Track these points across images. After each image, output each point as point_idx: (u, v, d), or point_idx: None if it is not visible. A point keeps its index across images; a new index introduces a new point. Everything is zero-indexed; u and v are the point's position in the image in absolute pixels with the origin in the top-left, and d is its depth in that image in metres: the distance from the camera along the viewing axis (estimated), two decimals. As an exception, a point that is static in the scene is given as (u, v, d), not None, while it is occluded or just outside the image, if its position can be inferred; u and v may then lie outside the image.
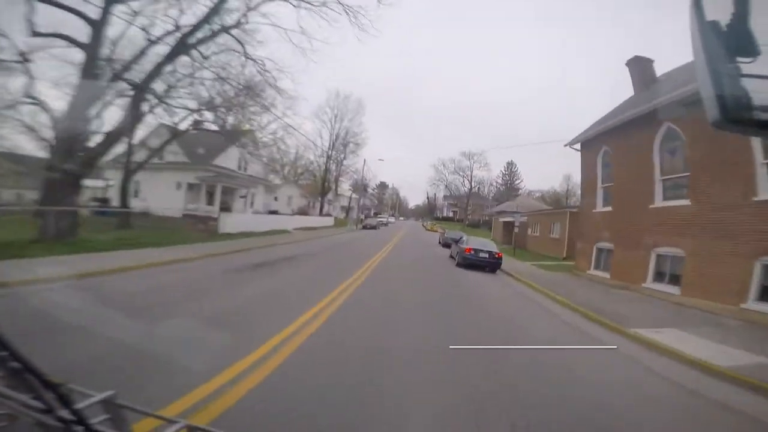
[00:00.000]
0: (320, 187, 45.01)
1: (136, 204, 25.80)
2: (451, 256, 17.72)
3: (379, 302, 7.04)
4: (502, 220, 33.15)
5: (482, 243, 15.44)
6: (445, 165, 75.26)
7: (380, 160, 61.19)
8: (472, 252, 14.26)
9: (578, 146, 16.86)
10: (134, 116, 13.36)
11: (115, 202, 25.56)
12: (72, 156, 10.60)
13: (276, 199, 44.44)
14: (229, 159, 27.72)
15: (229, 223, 18.03)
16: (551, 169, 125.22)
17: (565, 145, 17.33)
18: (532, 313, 8.28)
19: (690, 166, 10.47)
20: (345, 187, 65.65)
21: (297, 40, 20.44)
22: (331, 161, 46.12)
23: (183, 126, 21.77)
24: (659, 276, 11.13)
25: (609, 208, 14.00)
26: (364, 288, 8.14)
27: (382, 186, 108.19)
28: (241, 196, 29.02)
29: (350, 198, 57.95)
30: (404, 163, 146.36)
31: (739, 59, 0.63)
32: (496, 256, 14.33)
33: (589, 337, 6.53)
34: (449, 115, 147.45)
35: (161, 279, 7.17)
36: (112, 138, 12.39)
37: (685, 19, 0.67)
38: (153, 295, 5.94)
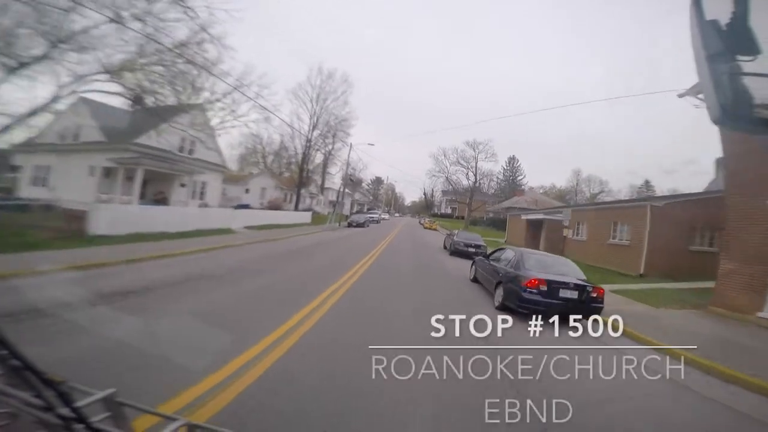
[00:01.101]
0: (297, 177, 37.53)
1: (41, 194, 20.56)
2: (476, 280, 10.31)
3: None
4: (525, 217, 25.98)
5: (557, 267, 8.04)
6: (446, 155, 66.89)
7: (370, 144, 53.38)
8: (545, 288, 7.01)
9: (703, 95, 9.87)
10: None
11: (25, 192, 21.27)
12: None
13: (247, 191, 37.67)
14: (164, 138, 20.61)
15: (110, 219, 11.01)
16: (549, 165, 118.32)
17: (681, 96, 10.29)
18: None
19: None
20: (336, 180, 58.00)
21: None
22: (311, 147, 38.62)
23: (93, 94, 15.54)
24: None
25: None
26: None
27: (378, 181, 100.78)
28: (182, 185, 21.75)
29: (338, 192, 50.64)
30: (401, 157, 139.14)
31: (740, 58, 0.61)
32: (593, 294, 7.16)
33: None
34: (450, 108, 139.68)
35: None
36: None
37: (685, 18, 0.65)
38: None
